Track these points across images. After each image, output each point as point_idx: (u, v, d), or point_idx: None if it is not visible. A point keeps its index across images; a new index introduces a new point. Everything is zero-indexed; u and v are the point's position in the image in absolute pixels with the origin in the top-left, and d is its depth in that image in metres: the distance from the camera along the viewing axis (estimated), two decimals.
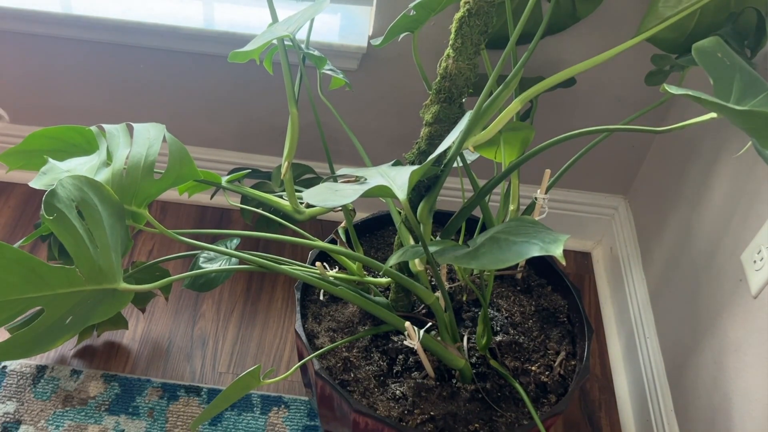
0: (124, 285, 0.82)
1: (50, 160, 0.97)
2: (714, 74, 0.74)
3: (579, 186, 1.57)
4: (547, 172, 1.04)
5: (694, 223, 1.23)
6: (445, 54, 0.80)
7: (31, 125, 1.59)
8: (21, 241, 1.06)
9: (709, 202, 1.19)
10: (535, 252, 0.70)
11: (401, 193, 0.72)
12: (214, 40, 1.35)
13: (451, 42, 0.78)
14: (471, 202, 0.91)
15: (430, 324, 0.95)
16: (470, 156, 1.08)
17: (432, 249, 0.81)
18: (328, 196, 0.75)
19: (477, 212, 1.40)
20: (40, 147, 1.03)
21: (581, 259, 1.66)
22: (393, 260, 0.82)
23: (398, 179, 0.75)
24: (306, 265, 1.06)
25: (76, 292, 0.79)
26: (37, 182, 0.94)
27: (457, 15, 0.76)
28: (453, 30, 0.77)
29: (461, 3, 0.75)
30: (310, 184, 1.30)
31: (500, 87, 0.85)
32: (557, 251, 0.68)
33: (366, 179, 0.78)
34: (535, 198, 1.05)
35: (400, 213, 1.01)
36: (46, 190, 0.80)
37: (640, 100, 1.38)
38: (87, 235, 0.79)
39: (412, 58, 1.05)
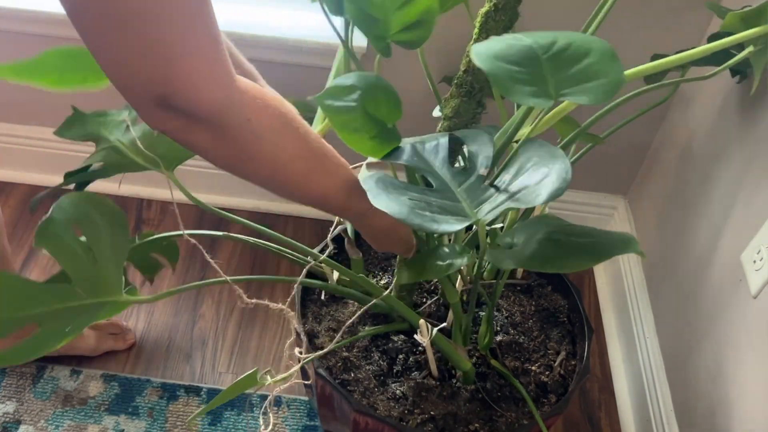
0: (124, 297, 0.81)
1: (76, 109, 0.94)
2: None
3: (579, 186, 1.57)
4: None
5: (693, 223, 1.23)
6: (468, 48, 0.80)
7: (26, 124, 1.59)
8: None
9: (709, 201, 1.19)
10: (617, 252, 0.69)
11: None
12: None
13: (474, 37, 0.78)
14: None
15: (443, 325, 0.95)
16: None
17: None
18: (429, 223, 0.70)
19: None
20: (54, 64, 0.92)
21: None
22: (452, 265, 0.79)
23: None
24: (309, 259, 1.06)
25: (75, 307, 0.78)
26: (63, 132, 0.92)
27: (483, 10, 0.76)
28: (477, 25, 0.77)
29: None
30: None
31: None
32: (636, 248, 0.67)
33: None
34: None
35: None
36: (49, 195, 0.79)
37: (641, 100, 1.38)
38: (86, 253, 0.78)
39: (412, 57, 1.05)
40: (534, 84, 0.69)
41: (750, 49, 0.88)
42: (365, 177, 0.75)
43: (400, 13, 0.82)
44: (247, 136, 0.66)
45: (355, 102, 0.78)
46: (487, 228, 0.93)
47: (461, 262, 0.79)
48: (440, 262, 0.81)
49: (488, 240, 0.88)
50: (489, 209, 0.71)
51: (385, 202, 0.71)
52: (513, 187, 0.72)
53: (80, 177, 0.95)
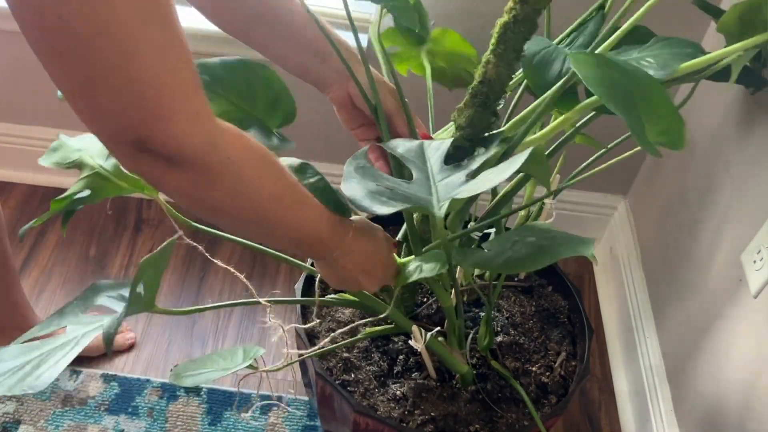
0: (157, 308, 0.85)
1: (61, 136, 0.95)
2: None
3: (579, 186, 1.57)
4: (557, 177, 1.04)
5: (693, 223, 1.23)
6: (484, 59, 0.79)
7: (26, 124, 1.59)
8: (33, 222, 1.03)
9: (708, 201, 1.19)
10: (567, 253, 0.73)
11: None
12: (213, 41, 1.35)
13: (492, 48, 0.76)
14: (492, 208, 0.93)
15: (437, 329, 0.95)
16: None
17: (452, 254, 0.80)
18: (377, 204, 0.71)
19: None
20: None
21: (581, 259, 1.66)
22: (416, 275, 0.81)
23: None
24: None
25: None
26: (46, 160, 0.93)
27: (501, 21, 0.75)
28: (495, 35, 0.76)
29: (506, 9, 0.74)
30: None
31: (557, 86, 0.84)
32: (586, 251, 0.71)
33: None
34: (543, 202, 1.06)
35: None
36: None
37: None
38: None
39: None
40: None
41: (739, 53, 0.87)
42: (348, 162, 0.77)
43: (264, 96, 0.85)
44: (228, 176, 0.63)
45: (315, 178, 0.84)
46: (477, 235, 0.95)
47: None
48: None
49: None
50: (445, 199, 0.72)
51: (350, 186, 0.73)
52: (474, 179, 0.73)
53: (66, 205, 0.94)
